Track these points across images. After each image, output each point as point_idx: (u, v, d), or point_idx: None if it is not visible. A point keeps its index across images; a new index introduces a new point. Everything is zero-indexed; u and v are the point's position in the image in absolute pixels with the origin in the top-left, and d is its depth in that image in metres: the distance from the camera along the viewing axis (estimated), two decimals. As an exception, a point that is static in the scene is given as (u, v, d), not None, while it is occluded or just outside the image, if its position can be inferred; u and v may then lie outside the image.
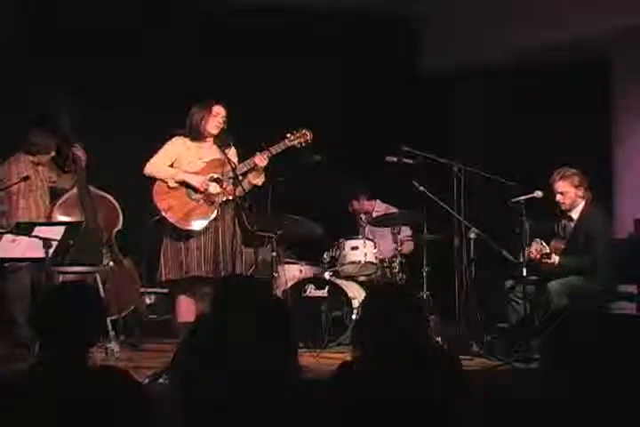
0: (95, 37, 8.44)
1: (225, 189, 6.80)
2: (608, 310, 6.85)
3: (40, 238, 5.78)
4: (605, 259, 6.91)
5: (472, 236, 7.14)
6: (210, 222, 6.80)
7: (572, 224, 7.11)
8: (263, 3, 8.82)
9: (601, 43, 8.25)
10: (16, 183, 7.05)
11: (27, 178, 7.05)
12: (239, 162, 6.89)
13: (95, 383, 3.05)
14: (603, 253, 6.93)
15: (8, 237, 6.06)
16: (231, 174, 6.73)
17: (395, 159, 7.42)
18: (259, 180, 6.87)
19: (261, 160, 6.80)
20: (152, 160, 6.85)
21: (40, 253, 5.77)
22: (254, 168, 6.83)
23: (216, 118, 6.86)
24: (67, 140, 7.34)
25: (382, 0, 8.92)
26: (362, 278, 8.10)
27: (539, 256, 6.89)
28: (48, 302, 3.20)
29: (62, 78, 8.13)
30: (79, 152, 7.35)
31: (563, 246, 7.06)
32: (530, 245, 6.91)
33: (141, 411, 3.05)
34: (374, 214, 8.51)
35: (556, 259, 6.91)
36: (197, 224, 6.80)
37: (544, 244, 6.93)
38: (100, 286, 6.93)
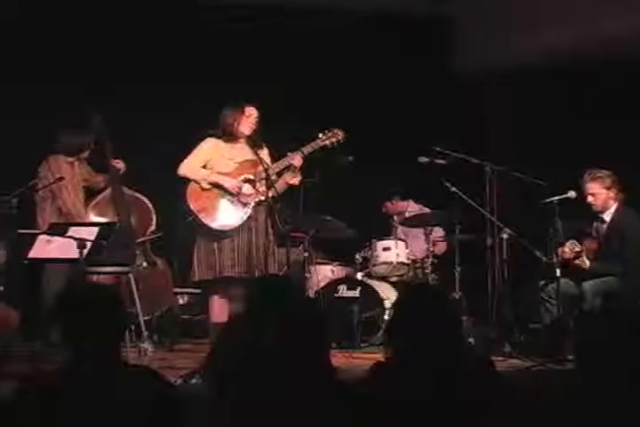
0: (125, 35, 8.46)
1: (257, 189, 6.81)
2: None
3: (74, 239, 5.80)
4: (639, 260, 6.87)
5: (504, 236, 7.11)
6: (243, 223, 6.80)
7: (605, 226, 7.06)
8: (299, 4, 8.82)
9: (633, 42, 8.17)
10: (51, 184, 7.09)
11: (61, 179, 7.09)
12: (272, 162, 6.90)
13: (127, 383, 3.06)
14: (636, 254, 6.89)
15: (43, 237, 6.10)
16: (264, 175, 6.73)
17: (427, 160, 7.40)
18: (295, 179, 6.87)
19: (298, 160, 6.81)
20: (185, 161, 6.86)
21: (74, 254, 5.79)
22: (289, 168, 6.83)
23: (248, 119, 6.86)
24: (100, 141, 7.38)
25: (416, 2, 8.90)
26: (394, 279, 8.08)
27: (572, 256, 6.86)
28: (70, 303, 3.22)
29: (92, 78, 8.19)
30: (115, 161, 7.40)
31: (596, 247, 7.02)
32: (563, 245, 6.88)
33: (171, 411, 3.05)
34: (407, 215, 8.47)
35: (587, 263, 6.88)
36: (230, 225, 6.80)
37: (577, 244, 6.90)
38: (134, 286, 6.96)
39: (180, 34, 8.58)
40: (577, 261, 6.88)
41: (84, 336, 3.09)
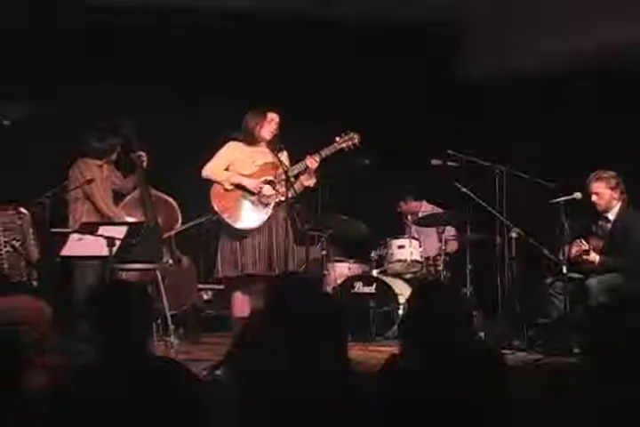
0: (150, 36, 8.46)
1: (277, 190, 6.80)
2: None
3: (104, 237, 5.80)
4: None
5: (513, 235, 7.11)
6: (264, 223, 6.79)
7: (609, 224, 7.03)
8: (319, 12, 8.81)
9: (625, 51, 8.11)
10: (82, 185, 7.08)
11: (91, 181, 7.08)
12: (291, 165, 6.88)
13: (154, 375, 3.05)
14: (639, 252, 6.85)
15: (75, 236, 6.09)
16: (283, 177, 6.72)
17: (439, 162, 7.40)
18: (310, 181, 6.85)
19: (312, 162, 6.79)
20: (209, 164, 6.86)
21: (104, 252, 5.79)
22: (306, 170, 6.82)
23: (270, 124, 6.85)
24: (128, 144, 7.38)
25: (426, 9, 8.86)
26: (408, 276, 8.07)
27: (578, 254, 6.84)
28: (99, 299, 3.21)
29: (121, 81, 8.21)
30: (141, 156, 7.39)
31: (601, 245, 6.99)
32: (570, 243, 6.85)
33: (197, 402, 3.04)
34: (421, 214, 8.47)
35: (595, 257, 6.86)
36: (252, 224, 6.79)
37: (584, 242, 6.87)
38: (160, 282, 6.96)
39: (205, 41, 8.58)
40: (586, 257, 6.85)
41: (113, 331, 3.09)
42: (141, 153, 7.38)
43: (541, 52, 8.66)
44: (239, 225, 6.79)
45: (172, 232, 7.61)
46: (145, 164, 7.41)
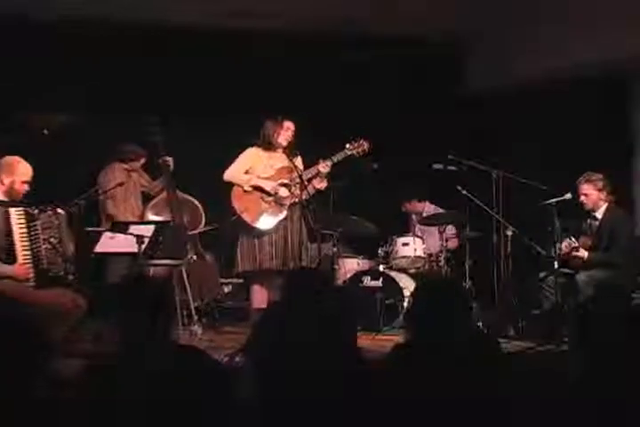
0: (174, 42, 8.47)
1: (292, 192, 6.81)
2: (630, 299, 6.73)
3: (134, 235, 5.82)
4: (627, 253, 6.81)
5: (509, 233, 7.10)
6: (280, 222, 6.81)
7: (597, 223, 7.02)
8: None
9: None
10: (112, 188, 7.11)
11: (121, 184, 7.11)
12: (305, 169, 6.89)
13: (179, 361, 3.06)
14: (624, 248, 6.84)
15: (107, 234, 6.12)
16: (298, 180, 6.73)
17: (441, 166, 7.41)
18: (322, 185, 6.86)
19: (324, 167, 6.80)
20: (230, 168, 6.88)
21: (134, 248, 5.80)
22: (318, 174, 6.83)
23: (286, 133, 6.87)
24: (156, 150, 7.40)
25: (431, 31, 8.86)
26: (412, 271, 8.05)
27: (569, 251, 6.84)
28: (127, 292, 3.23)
29: (151, 86, 8.23)
30: (168, 161, 7.41)
31: (590, 242, 6.98)
32: (561, 241, 6.85)
33: (218, 385, 3.05)
34: (424, 214, 8.46)
35: (584, 254, 6.85)
36: (269, 223, 6.80)
37: (574, 240, 6.87)
38: (185, 276, 6.97)
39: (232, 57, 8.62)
40: (575, 254, 6.85)
41: (139, 320, 3.10)
42: (168, 158, 7.40)
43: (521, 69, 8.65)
44: (257, 224, 6.80)
45: (196, 231, 7.63)
46: (171, 168, 7.43)
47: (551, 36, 8.29)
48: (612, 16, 7.80)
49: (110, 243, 6.04)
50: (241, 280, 7.69)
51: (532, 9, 8.42)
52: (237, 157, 6.93)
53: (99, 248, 6.07)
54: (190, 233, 7.53)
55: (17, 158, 5.70)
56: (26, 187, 5.66)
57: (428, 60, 9.14)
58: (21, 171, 5.65)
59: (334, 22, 8.42)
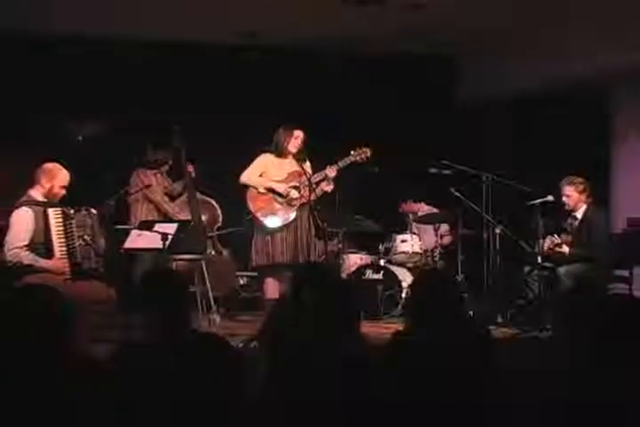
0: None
1: (302, 194, 6.82)
2: (605, 290, 6.74)
3: (159, 233, 5.84)
4: (604, 249, 6.81)
5: (497, 231, 7.11)
6: (290, 221, 6.81)
7: (577, 222, 7.03)
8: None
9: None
10: (140, 190, 7.14)
11: (148, 186, 7.15)
12: (313, 173, 6.89)
13: (199, 346, 3.08)
14: (602, 244, 6.84)
15: (135, 231, 6.14)
16: (307, 183, 6.73)
17: (436, 170, 7.41)
18: (329, 187, 6.86)
19: (332, 171, 6.81)
20: (245, 172, 6.89)
21: (159, 245, 5.83)
22: (326, 178, 6.83)
23: (296, 140, 6.86)
24: (179, 156, 7.41)
25: (426, 44, 8.86)
26: (410, 265, 8.07)
27: (551, 247, 6.86)
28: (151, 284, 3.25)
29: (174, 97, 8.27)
30: (189, 166, 7.43)
31: (570, 239, 6.99)
32: (544, 238, 6.87)
33: (233, 367, 3.07)
34: (420, 214, 8.47)
35: (565, 249, 6.87)
36: (280, 222, 6.81)
37: (556, 237, 6.90)
38: (205, 270, 6.99)
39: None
40: (557, 250, 6.87)
41: (164, 309, 3.12)
42: (190, 166, 7.42)
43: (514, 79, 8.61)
44: (270, 223, 6.81)
45: (215, 233, 7.67)
46: (192, 174, 7.45)
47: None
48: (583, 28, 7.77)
49: (138, 240, 6.06)
50: (255, 273, 7.71)
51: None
52: (252, 161, 6.94)
53: (127, 245, 6.10)
54: (210, 234, 7.56)
55: (57, 166, 5.74)
56: (63, 191, 5.72)
57: (425, 73, 9.19)
58: (60, 177, 5.70)
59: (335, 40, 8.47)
